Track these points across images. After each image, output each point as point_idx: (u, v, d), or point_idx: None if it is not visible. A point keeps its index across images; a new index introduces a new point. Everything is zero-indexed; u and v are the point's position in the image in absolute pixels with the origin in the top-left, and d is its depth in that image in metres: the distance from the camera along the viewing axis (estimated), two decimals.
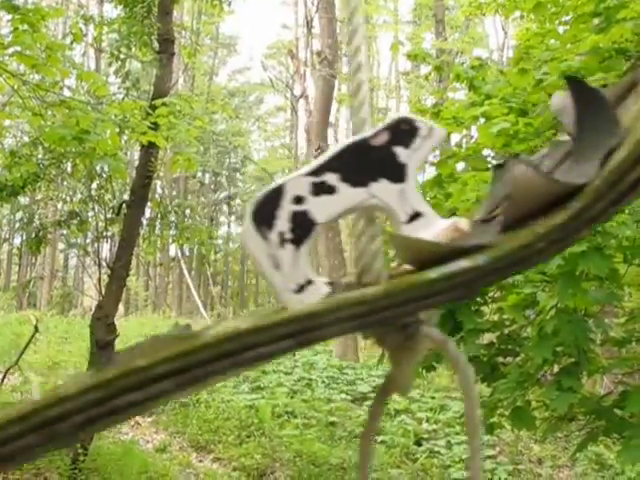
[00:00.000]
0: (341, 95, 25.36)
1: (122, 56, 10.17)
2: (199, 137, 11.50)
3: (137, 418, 11.22)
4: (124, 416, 0.68)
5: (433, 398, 13.52)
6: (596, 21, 5.20)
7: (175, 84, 14.75)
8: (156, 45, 9.53)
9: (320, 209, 0.79)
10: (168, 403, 11.45)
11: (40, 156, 9.75)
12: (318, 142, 18.11)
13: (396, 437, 11.35)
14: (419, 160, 0.82)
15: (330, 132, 24.57)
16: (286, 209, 0.78)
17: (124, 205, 9.24)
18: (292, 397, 12.88)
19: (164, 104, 8.23)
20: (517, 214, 0.78)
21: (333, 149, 0.82)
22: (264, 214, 0.77)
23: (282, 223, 0.77)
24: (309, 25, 22.40)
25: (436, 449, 11.24)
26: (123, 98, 10.14)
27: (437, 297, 0.76)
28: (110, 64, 10.97)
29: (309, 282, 0.77)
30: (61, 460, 8.18)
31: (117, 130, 7.96)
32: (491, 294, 5.18)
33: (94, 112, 7.68)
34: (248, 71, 57.77)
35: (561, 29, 5.89)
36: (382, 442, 11.17)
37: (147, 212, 13.99)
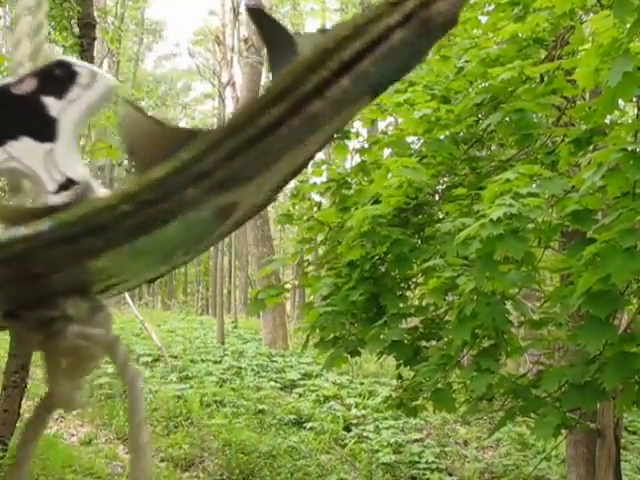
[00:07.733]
0: (268, 82, 25.21)
1: None
2: None
3: (61, 411, 10.95)
4: None
5: (362, 384, 13.66)
6: (515, 10, 5.31)
7: None
8: (77, 30, 9.29)
9: None
10: (93, 395, 11.23)
11: None
12: None
13: (325, 423, 11.43)
14: (76, 114, 0.65)
15: None
16: None
17: None
18: (221, 386, 12.80)
19: None
20: (140, 164, 0.62)
21: None
22: None
23: None
24: (236, 12, 22.21)
25: (365, 434, 11.36)
26: None
27: None
28: None
29: None
30: None
31: None
32: (414, 279, 5.26)
33: None
34: (175, 57, 57.04)
35: (484, 19, 5.99)
36: (311, 429, 11.23)
37: None
